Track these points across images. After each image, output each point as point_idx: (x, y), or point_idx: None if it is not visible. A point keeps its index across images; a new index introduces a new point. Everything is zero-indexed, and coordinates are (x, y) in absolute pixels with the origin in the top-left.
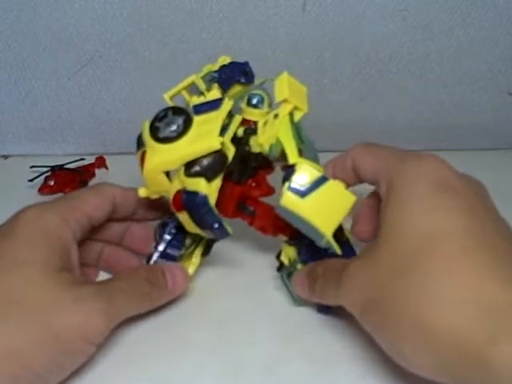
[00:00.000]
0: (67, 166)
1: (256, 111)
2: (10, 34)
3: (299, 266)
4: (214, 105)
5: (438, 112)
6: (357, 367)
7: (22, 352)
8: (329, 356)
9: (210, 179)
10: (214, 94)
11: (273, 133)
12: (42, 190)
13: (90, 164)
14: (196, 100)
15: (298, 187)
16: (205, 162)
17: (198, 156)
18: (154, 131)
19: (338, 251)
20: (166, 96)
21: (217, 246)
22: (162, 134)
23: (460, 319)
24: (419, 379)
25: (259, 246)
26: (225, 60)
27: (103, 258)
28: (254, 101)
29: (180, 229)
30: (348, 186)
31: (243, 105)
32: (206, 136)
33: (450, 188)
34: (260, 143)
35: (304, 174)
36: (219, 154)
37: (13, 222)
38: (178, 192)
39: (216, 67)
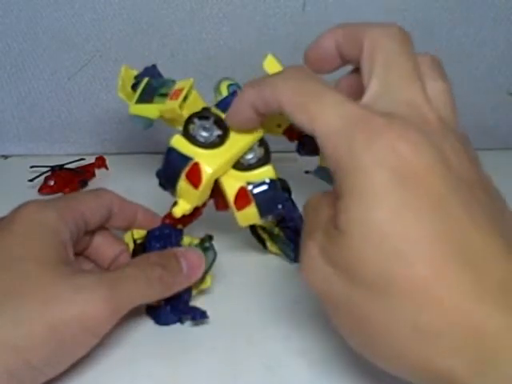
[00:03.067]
0: (67, 166)
1: None
2: (9, 34)
3: (276, 230)
4: (232, 99)
5: None
6: (356, 368)
7: (19, 345)
8: (328, 356)
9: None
10: (184, 83)
11: None
12: (42, 190)
13: (90, 164)
14: (171, 103)
15: None
16: (253, 153)
17: (248, 149)
18: (195, 140)
19: None
20: (176, 106)
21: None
22: (207, 140)
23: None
24: None
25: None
26: (127, 70)
27: None
28: (235, 88)
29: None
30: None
31: (220, 96)
32: None
33: (411, 176)
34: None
35: None
36: (264, 140)
37: (12, 217)
38: (242, 188)
39: (129, 78)
